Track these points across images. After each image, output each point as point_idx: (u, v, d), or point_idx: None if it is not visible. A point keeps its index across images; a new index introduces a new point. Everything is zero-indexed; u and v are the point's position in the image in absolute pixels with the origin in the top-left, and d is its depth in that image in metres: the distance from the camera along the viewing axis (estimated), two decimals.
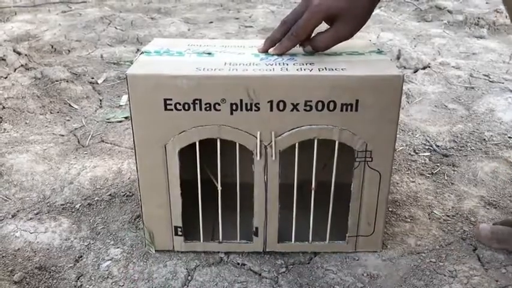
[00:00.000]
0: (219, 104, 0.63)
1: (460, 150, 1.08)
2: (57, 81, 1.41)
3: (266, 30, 2.15)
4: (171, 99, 0.63)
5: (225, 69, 0.63)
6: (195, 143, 0.66)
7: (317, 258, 0.75)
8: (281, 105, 0.62)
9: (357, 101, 0.62)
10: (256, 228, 0.72)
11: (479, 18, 2.12)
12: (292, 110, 0.63)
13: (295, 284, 0.70)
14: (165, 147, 0.67)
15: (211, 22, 2.33)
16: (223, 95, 0.62)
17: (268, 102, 0.63)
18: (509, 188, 0.93)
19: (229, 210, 0.72)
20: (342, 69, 0.63)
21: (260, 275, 0.72)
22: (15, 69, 1.50)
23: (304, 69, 0.64)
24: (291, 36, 0.67)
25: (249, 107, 0.63)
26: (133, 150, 0.68)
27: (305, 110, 0.63)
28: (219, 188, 0.70)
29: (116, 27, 2.17)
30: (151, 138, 0.66)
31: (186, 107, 0.63)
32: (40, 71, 1.44)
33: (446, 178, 0.97)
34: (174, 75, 0.62)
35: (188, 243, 0.75)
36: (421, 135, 1.15)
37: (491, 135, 1.13)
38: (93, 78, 1.51)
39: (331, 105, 0.62)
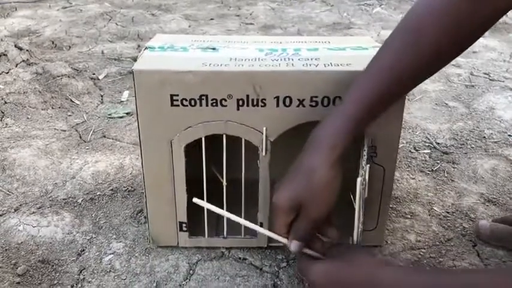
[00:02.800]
0: (225, 100, 0.63)
1: (460, 147, 1.08)
2: (58, 76, 1.41)
3: (267, 28, 2.15)
4: (177, 95, 0.63)
5: (230, 64, 0.63)
6: (200, 139, 0.67)
7: None
8: (287, 101, 0.63)
9: None
10: (261, 224, 0.73)
11: None
12: (298, 106, 0.63)
13: (295, 278, 0.70)
14: (171, 143, 0.67)
15: (211, 19, 2.33)
16: (230, 90, 0.63)
17: (274, 97, 0.63)
18: (509, 185, 0.94)
19: (234, 206, 0.72)
20: (347, 64, 0.63)
21: (261, 269, 0.72)
22: (16, 65, 1.50)
23: (310, 65, 0.64)
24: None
25: (255, 103, 0.63)
26: (139, 146, 0.68)
27: (311, 105, 0.63)
28: (224, 183, 0.71)
29: (116, 24, 2.17)
30: (157, 134, 0.66)
31: (193, 103, 0.64)
32: (41, 67, 1.44)
33: (446, 175, 0.98)
34: (180, 70, 0.62)
35: (193, 239, 0.75)
36: (421, 132, 1.15)
37: (491, 133, 1.14)
38: (94, 74, 1.51)
39: (337, 101, 0.63)
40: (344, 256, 0.59)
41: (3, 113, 1.23)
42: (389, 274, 0.53)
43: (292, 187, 0.58)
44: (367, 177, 0.59)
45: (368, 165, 0.59)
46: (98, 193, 0.91)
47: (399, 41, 0.56)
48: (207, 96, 0.63)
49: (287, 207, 0.58)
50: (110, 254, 0.75)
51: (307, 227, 0.60)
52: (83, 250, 0.76)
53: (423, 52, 0.55)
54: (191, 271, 0.72)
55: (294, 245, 0.60)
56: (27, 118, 1.22)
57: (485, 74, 1.53)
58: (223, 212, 0.63)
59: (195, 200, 0.63)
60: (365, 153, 0.58)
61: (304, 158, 0.58)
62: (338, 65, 0.63)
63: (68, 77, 1.42)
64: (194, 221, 0.74)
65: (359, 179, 0.59)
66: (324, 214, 0.59)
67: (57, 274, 0.71)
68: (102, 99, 1.36)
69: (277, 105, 0.63)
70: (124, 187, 0.92)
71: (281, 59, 0.66)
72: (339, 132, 0.56)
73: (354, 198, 0.63)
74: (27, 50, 1.57)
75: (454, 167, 1.00)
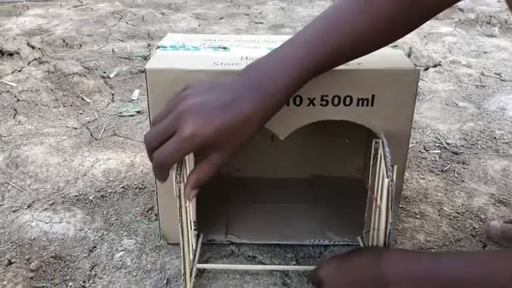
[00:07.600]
0: None
1: (471, 148, 1.08)
2: (70, 75, 1.42)
3: (276, 27, 2.15)
4: None
5: (242, 63, 0.64)
6: None
7: (326, 253, 0.76)
8: (297, 100, 0.63)
9: (373, 96, 0.62)
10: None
11: (490, 16, 2.11)
12: (308, 105, 0.63)
13: (305, 277, 0.71)
14: None
15: (221, 18, 2.34)
16: None
17: None
18: None
19: (243, 204, 0.73)
20: (357, 63, 0.63)
21: None
22: (29, 63, 1.52)
23: None
24: (155, 169, 0.54)
25: None
26: None
27: (321, 104, 0.63)
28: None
29: (127, 22, 2.19)
30: None
31: None
32: (53, 65, 1.46)
33: (456, 175, 0.97)
34: (192, 69, 0.63)
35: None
36: (431, 132, 1.15)
37: (502, 134, 1.13)
38: (105, 72, 1.53)
39: (348, 100, 0.63)
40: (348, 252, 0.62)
41: (16, 110, 1.25)
42: (393, 254, 0.56)
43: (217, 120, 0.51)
44: (394, 178, 0.58)
45: (396, 166, 0.58)
46: (109, 190, 0.92)
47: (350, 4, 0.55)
48: None
49: (197, 146, 0.51)
50: (121, 250, 0.76)
51: (205, 174, 0.54)
52: (95, 246, 0.77)
53: (375, 17, 0.54)
54: (201, 268, 0.72)
55: (193, 194, 0.55)
56: (40, 116, 1.23)
57: (496, 74, 1.52)
58: (246, 267, 0.66)
59: None
60: (388, 153, 0.57)
61: (237, 97, 0.52)
62: (348, 64, 0.63)
63: (79, 75, 1.43)
64: (204, 219, 0.74)
65: (387, 180, 0.57)
66: (225, 163, 0.53)
67: (70, 270, 0.72)
68: (113, 98, 1.37)
69: (288, 104, 0.63)
70: (135, 184, 0.93)
71: None
72: (284, 85, 0.53)
73: (374, 198, 0.63)
74: (39, 49, 1.59)
75: (464, 168, 1.00)
